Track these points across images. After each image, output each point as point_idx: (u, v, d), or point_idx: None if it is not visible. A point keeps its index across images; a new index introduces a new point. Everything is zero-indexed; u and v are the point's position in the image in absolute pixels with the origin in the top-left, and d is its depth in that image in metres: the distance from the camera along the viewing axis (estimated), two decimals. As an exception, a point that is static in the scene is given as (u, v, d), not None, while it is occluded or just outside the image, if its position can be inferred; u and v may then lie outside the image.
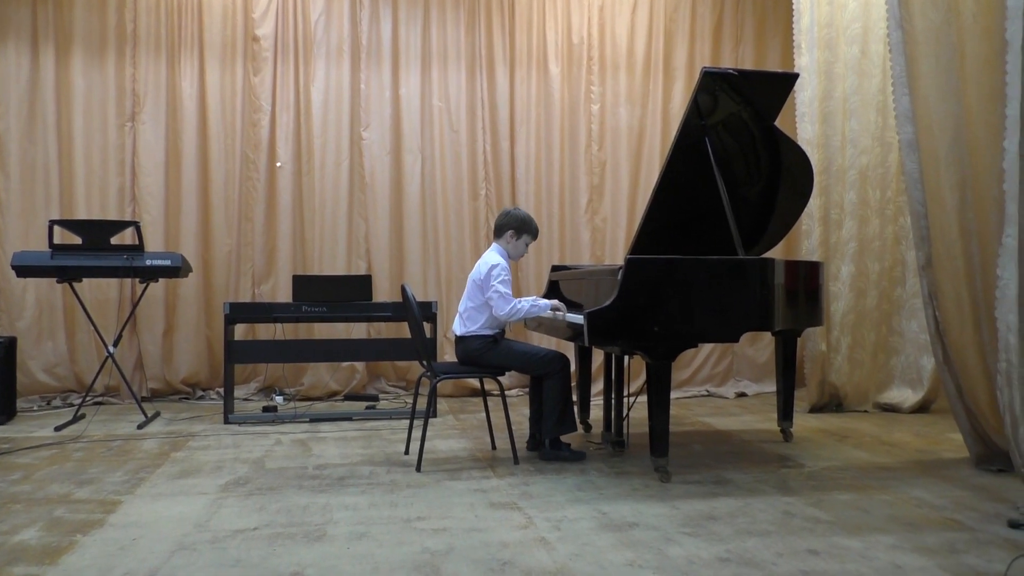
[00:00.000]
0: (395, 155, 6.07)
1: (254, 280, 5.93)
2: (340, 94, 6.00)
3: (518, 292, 6.01)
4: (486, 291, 3.78)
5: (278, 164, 5.92)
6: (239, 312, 4.98)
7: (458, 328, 3.95)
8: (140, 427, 4.76)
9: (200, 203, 5.89)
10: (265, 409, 5.25)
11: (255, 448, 4.18)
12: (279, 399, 5.70)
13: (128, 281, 5.73)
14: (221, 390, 5.79)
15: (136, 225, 4.90)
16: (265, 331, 5.77)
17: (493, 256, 3.89)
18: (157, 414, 5.18)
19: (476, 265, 3.94)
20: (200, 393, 5.86)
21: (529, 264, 6.11)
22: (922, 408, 5.27)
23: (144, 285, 5.14)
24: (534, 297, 3.92)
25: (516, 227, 3.94)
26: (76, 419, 4.94)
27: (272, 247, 5.95)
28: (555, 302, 3.86)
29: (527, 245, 4.02)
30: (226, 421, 4.90)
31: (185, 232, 5.84)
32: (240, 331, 5.76)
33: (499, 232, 3.98)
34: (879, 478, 3.55)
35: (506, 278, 3.79)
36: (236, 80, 5.91)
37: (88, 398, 5.46)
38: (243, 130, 5.92)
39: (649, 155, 6.34)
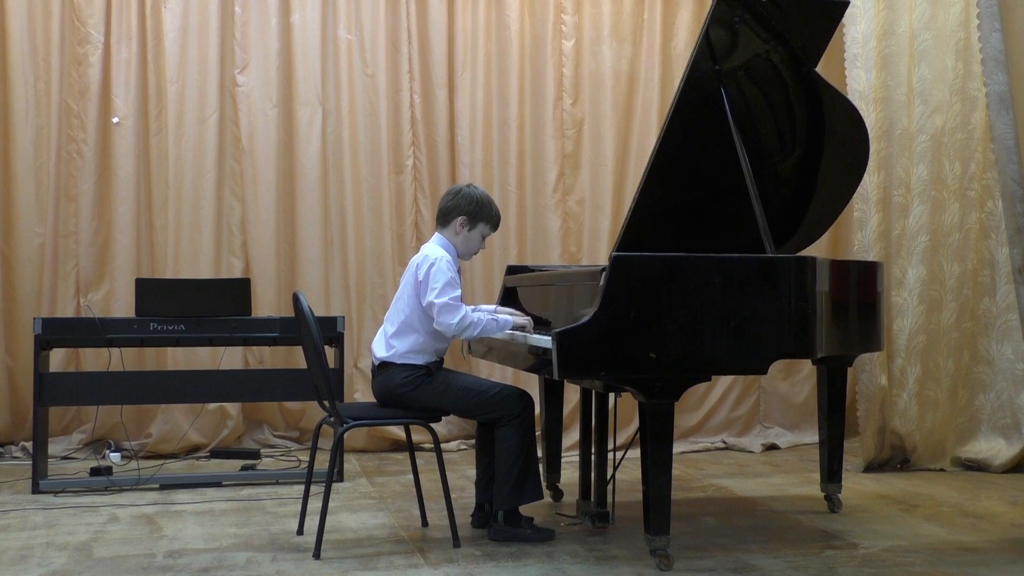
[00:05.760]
0: (284, 108, 6.04)
1: (79, 286, 5.86)
2: (205, 19, 5.94)
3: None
4: (425, 295, 3.77)
5: (115, 120, 5.85)
6: (56, 332, 4.90)
7: (379, 349, 3.93)
8: (-92, 500, 4.65)
9: (-1, 175, 5.79)
10: (94, 472, 5.15)
11: (79, 528, 4.11)
12: (115, 457, 5.61)
13: None
14: (28, 445, 5.66)
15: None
16: (95, 359, 5.69)
17: (434, 248, 3.89)
18: (-67, 481, 5.07)
19: (411, 260, 3.93)
20: (-3, 450, 5.74)
21: (475, 264, 6.10)
22: (1020, 465, 5.37)
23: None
24: (493, 307, 3.91)
25: (469, 212, 3.93)
26: None
27: (106, 239, 5.88)
28: (521, 317, 3.86)
29: (483, 238, 4.02)
30: (35, 490, 4.81)
31: (-24, 217, 5.74)
32: (58, 359, 5.67)
33: (444, 219, 3.97)
34: (961, 563, 3.61)
35: (452, 277, 3.78)
36: (53, -3, 5.82)
37: None
38: (62, 70, 5.83)
39: (644, 112, 6.40)
